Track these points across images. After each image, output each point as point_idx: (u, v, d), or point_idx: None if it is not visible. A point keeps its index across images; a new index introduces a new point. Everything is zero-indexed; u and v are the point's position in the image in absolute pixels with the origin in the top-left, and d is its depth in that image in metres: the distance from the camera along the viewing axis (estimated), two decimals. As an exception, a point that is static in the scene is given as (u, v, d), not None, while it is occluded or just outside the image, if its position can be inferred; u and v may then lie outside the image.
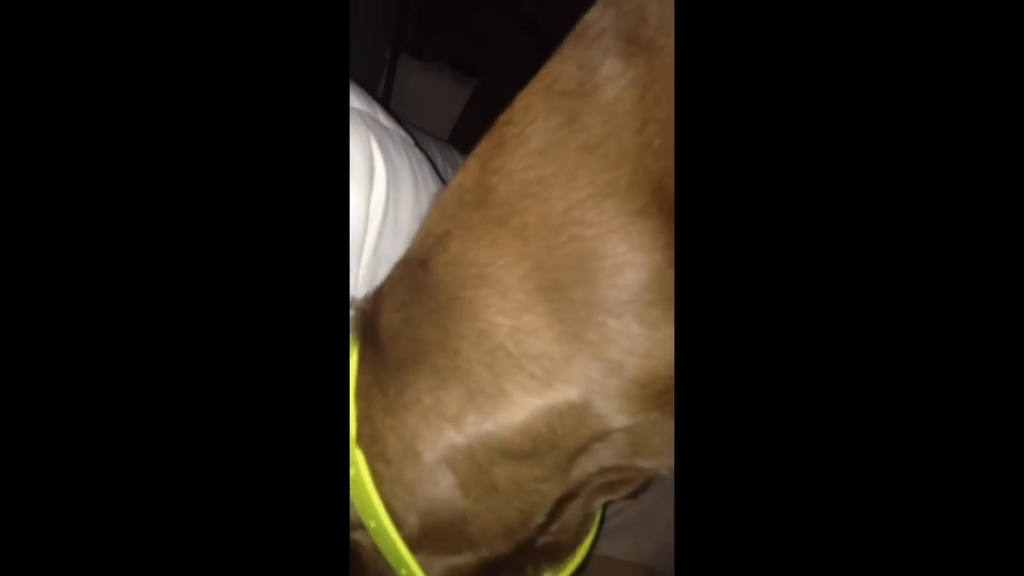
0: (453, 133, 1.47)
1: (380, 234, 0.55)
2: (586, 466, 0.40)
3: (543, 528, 0.43)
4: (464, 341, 0.38)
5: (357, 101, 0.62)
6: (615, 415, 0.38)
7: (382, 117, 0.64)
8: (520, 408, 0.38)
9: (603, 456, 0.40)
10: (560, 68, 0.38)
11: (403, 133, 0.66)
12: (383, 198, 0.55)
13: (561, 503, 0.42)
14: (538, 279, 0.37)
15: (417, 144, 0.67)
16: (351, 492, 0.42)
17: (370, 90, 0.69)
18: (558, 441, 0.38)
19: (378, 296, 0.43)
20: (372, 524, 0.42)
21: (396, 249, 0.56)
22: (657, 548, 0.71)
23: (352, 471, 0.41)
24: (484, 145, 0.40)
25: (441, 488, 0.40)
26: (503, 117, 0.40)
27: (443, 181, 0.70)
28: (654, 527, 0.71)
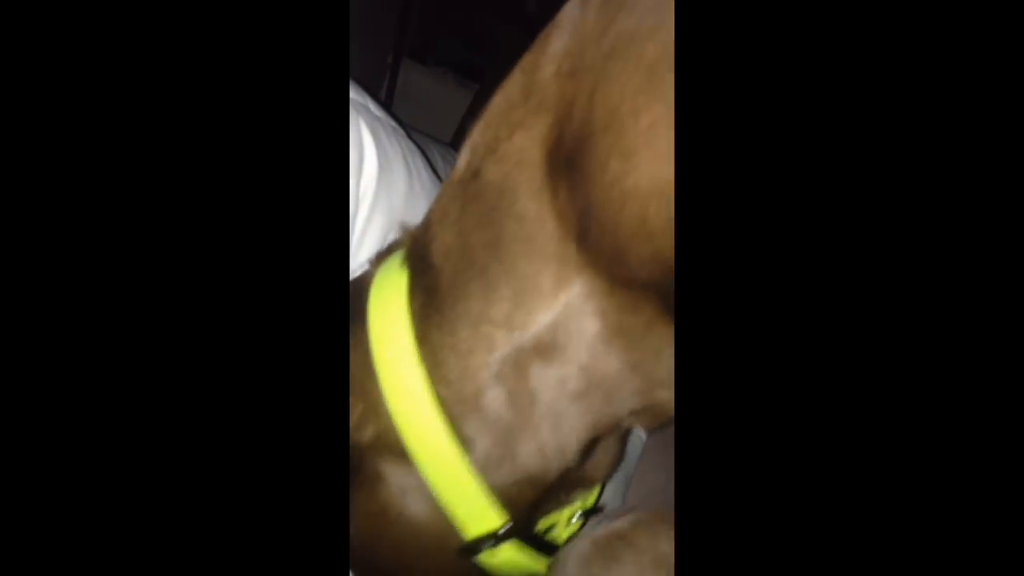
0: (455, 137, 1.48)
1: (370, 217, 0.55)
2: (616, 409, 0.40)
3: (579, 462, 0.43)
4: (508, 235, 0.38)
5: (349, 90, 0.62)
6: (606, 296, 0.37)
7: (372, 106, 0.64)
8: (548, 300, 0.38)
9: (629, 401, 0.40)
10: None
11: (394, 123, 0.66)
12: (373, 181, 0.55)
13: (594, 442, 0.42)
14: (556, 152, 0.36)
15: (409, 136, 0.68)
16: (404, 423, 0.40)
17: (372, 94, 0.70)
18: (573, 331, 0.38)
19: (427, 223, 0.43)
20: (422, 455, 0.40)
21: (391, 232, 0.57)
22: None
23: (408, 404, 0.40)
24: (528, 58, 0.40)
25: (494, 402, 0.40)
26: (550, 26, 0.39)
27: (439, 178, 0.71)
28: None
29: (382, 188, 0.56)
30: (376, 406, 0.41)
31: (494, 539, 0.42)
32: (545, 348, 0.39)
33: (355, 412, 0.42)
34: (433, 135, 1.05)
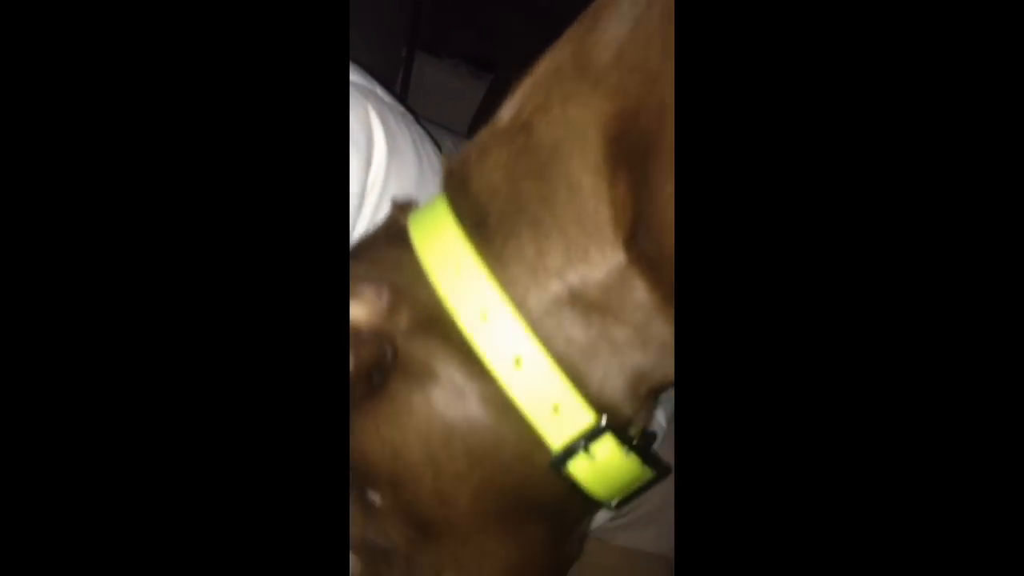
0: (470, 128, 1.48)
1: (380, 202, 0.55)
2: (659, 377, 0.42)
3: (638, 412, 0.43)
4: (560, 197, 0.40)
5: (355, 75, 0.62)
6: (648, 287, 0.39)
7: (380, 91, 0.64)
8: (595, 270, 0.40)
9: (667, 365, 0.41)
10: None
11: (402, 109, 0.66)
12: (383, 165, 0.55)
13: (650, 396, 0.43)
14: (615, 133, 0.39)
15: (418, 122, 0.67)
16: (475, 327, 0.40)
17: (387, 87, 0.69)
18: (624, 298, 0.40)
19: (467, 160, 0.44)
20: (497, 359, 0.40)
21: None
22: (679, 539, 0.71)
23: (478, 307, 0.40)
24: (576, 28, 0.42)
25: (553, 342, 0.41)
26: (598, 2, 0.42)
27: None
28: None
29: (392, 172, 0.56)
30: (414, 297, 0.41)
31: (591, 435, 0.40)
32: (598, 305, 0.40)
33: (380, 300, 0.41)
34: (448, 126, 1.05)
